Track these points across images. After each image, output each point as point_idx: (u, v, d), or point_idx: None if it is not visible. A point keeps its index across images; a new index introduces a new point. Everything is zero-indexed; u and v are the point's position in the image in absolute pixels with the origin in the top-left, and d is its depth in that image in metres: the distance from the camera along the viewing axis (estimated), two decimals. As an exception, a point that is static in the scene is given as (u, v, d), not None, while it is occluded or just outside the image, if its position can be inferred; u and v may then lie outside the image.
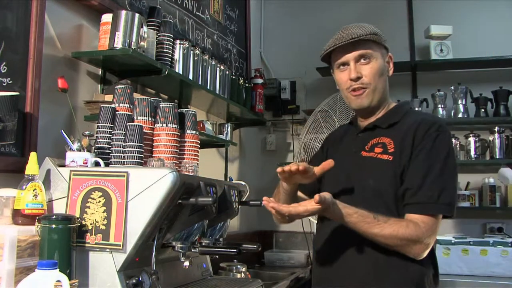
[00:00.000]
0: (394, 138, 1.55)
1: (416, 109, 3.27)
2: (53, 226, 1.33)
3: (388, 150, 1.54)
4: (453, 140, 3.32)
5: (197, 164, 1.78)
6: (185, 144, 1.77)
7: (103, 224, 1.42)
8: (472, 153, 3.49)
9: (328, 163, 1.52)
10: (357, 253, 1.51)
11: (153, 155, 1.66)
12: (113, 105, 1.66)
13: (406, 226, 1.42)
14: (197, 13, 2.78)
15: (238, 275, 2.51)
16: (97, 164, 1.54)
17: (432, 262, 1.54)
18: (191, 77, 2.37)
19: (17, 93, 1.59)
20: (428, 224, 1.43)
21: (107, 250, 1.41)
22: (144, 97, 1.70)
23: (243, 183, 2.04)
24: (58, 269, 1.20)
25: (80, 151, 1.54)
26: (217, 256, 1.95)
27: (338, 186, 1.61)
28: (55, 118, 1.82)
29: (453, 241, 3.10)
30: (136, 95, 1.74)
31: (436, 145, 1.49)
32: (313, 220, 3.15)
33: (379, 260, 1.48)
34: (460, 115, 3.54)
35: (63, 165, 1.53)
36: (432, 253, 1.53)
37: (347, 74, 1.59)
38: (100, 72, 2.05)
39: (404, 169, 1.49)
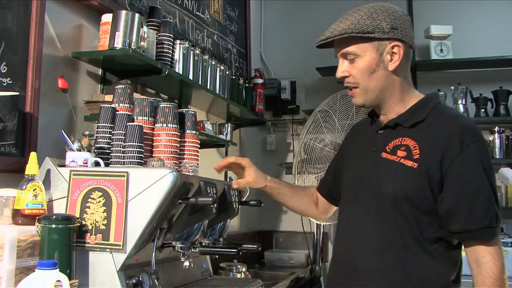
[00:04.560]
0: (420, 141, 1.39)
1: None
2: (53, 226, 1.33)
3: (412, 155, 1.38)
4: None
5: (197, 164, 1.78)
6: (185, 144, 1.77)
7: (103, 224, 1.42)
8: (472, 153, 3.49)
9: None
10: (375, 256, 1.41)
11: (153, 155, 1.66)
12: (113, 105, 1.66)
13: (489, 271, 1.32)
14: (197, 13, 2.78)
15: (238, 275, 2.51)
16: (97, 164, 1.54)
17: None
18: (191, 77, 2.37)
19: (17, 93, 1.59)
20: (495, 247, 1.34)
21: (107, 250, 1.41)
22: (144, 97, 1.70)
23: (243, 183, 2.04)
24: (58, 269, 1.20)
25: (80, 151, 1.54)
26: (217, 256, 1.95)
27: (353, 189, 1.51)
28: (55, 118, 1.82)
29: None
30: (136, 95, 1.74)
31: (477, 158, 1.34)
32: (314, 220, 3.15)
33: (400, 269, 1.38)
34: (460, 115, 3.54)
35: (63, 165, 1.53)
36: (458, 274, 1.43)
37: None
38: (100, 72, 2.05)
39: (432, 179, 1.35)
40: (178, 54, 2.28)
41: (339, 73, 1.45)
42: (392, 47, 1.41)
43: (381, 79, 1.43)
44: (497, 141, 3.47)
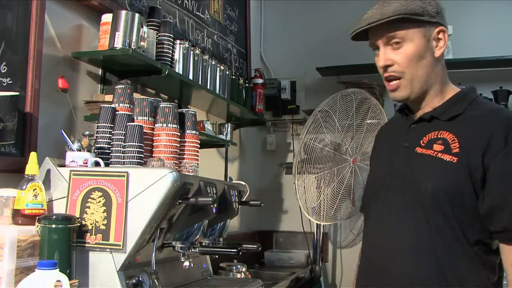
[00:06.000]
0: (458, 135, 1.29)
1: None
2: (53, 226, 1.33)
3: (451, 149, 1.28)
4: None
5: (197, 164, 1.78)
6: (185, 144, 1.77)
7: (103, 224, 1.42)
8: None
9: None
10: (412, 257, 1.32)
11: (153, 155, 1.66)
12: (113, 105, 1.66)
13: None
14: (197, 13, 2.78)
15: (238, 275, 2.51)
16: (97, 164, 1.54)
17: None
18: (191, 77, 2.37)
19: (17, 93, 1.59)
20: None
21: (107, 250, 1.41)
22: (144, 97, 1.70)
23: (243, 183, 2.04)
24: (58, 269, 1.20)
25: (80, 151, 1.54)
26: (217, 256, 1.95)
27: (384, 187, 1.40)
28: (55, 118, 1.82)
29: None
30: (136, 95, 1.74)
31: None
32: (314, 220, 3.15)
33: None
34: (460, 115, 3.53)
35: (63, 165, 1.53)
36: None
37: (378, 60, 1.35)
38: (100, 72, 2.05)
39: (473, 174, 1.25)
40: (178, 54, 2.28)
41: (382, 61, 1.34)
42: (438, 32, 1.34)
43: (428, 66, 1.34)
44: (497, 141, 3.47)
